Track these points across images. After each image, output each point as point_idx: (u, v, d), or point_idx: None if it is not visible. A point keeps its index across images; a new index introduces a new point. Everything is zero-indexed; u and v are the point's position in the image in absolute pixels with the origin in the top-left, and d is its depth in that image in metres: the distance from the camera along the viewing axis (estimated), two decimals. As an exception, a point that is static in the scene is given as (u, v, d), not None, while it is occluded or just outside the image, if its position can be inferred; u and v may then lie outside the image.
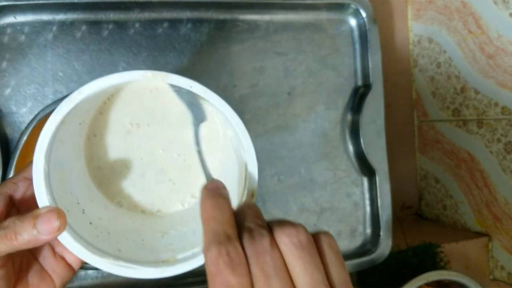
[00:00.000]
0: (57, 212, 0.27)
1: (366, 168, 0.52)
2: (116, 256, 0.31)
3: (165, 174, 0.37)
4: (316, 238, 0.25)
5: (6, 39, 0.41)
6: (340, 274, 0.24)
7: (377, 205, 0.51)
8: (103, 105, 0.36)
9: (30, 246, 0.27)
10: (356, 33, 0.52)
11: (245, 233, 0.24)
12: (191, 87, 0.30)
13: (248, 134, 0.32)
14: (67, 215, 0.29)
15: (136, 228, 0.35)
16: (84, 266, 0.42)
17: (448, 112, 0.66)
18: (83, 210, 0.33)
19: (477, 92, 0.61)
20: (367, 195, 0.52)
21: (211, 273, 0.23)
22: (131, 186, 0.37)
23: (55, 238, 0.28)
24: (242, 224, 0.25)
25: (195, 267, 0.31)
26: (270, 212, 0.49)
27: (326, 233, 0.26)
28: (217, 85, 0.47)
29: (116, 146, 0.36)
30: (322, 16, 0.51)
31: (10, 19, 0.41)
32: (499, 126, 0.58)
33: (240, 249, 0.23)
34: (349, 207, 0.52)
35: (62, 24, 0.42)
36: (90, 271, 0.43)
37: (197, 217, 0.35)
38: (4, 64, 0.41)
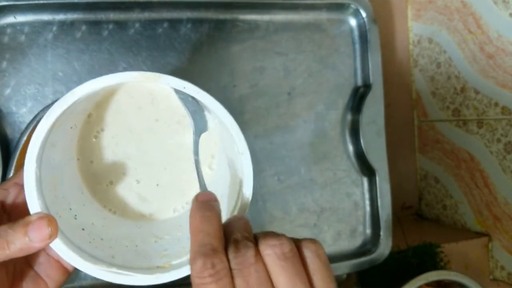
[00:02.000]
0: (48, 219, 0.27)
1: (366, 168, 0.52)
2: (109, 263, 0.30)
3: (159, 180, 0.37)
4: (301, 245, 0.26)
5: (6, 39, 0.41)
6: (324, 282, 0.25)
7: (377, 205, 0.51)
8: (96, 108, 0.35)
9: (23, 254, 0.27)
10: (356, 33, 0.52)
11: (231, 245, 0.25)
12: (184, 88, 0.30)
13: (243, 136, 0.31)
14: (59, 221, 0.28)
15: (129, 233, 0.35)
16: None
17: (448, 112, 0.66)
18: (75, 216, 0.32)
19: (477, 92, 0.61)
20: (367, 195, 0.52)
21: (195, 285, 0.24)
22: (125, 192, 0.37)
23: (48, 245, 0.28)
24: (229, 236, 0.26)
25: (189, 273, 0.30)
26: (270, 212, 0.49)
27: (312, 240, 0.26)
28: (217, 85, 0.47)
29: (109, 150, 0.36)
30: (322, 16, 0.51)
31: (10, 19, 0.41)
32: (499, 126, 0.58)
33: (225, 261, 0.24)
34: (349, 207, 0.52)
35: (62, 24, 0.42)
36: (90, 271, 0.43)
37: None
38: (4, 64, 0.41)
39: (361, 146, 0.50)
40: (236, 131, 0.31)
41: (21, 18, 0.41)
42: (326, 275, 0.25)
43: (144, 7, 0.44)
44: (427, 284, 0.52)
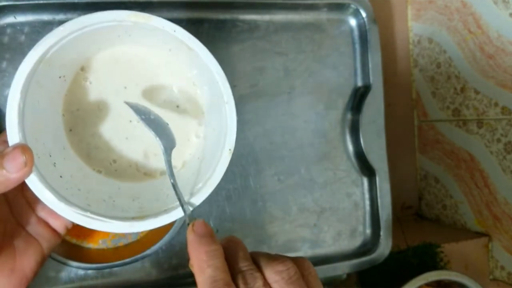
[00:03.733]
0: (22, 147, 0.27)
1: (366, 168, 0.52)
2: (85, 209, 0.30)
3: (147, 145, 0.37)
4: (297, 265, 0.28)
5: (6, 39, 0.41)
6: None
7: (377, 205, 0.51)
8: (86, 65, 0.35)
9: (2, 188, 0.27)
10: (356, 33, 0.52)
11: (238, 277, 0.26)
12: (174, 31, 0.30)
13: (229, 85, 0.32)
14: (37, 161, 0.28)
15: (108, 191, 0.35)
16: (84, 266, 0.43)
17: (448, 112, 0.66)
18: (54, 163, 0.32)
19: (477, 92, 0.61)
20: (367, 195, 0.52)
21: None
22: (111, 151, 0.36)
23: (25, 177, 0.28)
24: (233, 266, 0.27)
25: (165, 224, 0.31)
26: (270, 212, 0.49)
27: (304, 259, 0.29)
28: (217, 85, 0.47)
29: (96, 109, 0.36)
30: (322, 16, 0.51)
31: (10, 19, 0.41)
32: (499, 126, 0.58)
33: None
34: (349, 207, 0.52)
35: (62, 24, 0.42)
36: (90, 271, 0.43)
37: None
38: (4, 64, 0.41)
39: (361, 146, 0.50)
40: (223, 81, 0.32)
41: (21, 18, 0.41)
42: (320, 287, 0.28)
43: (144, 7, 0.44)
44: (427, 284, 0.52)
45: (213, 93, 0.35)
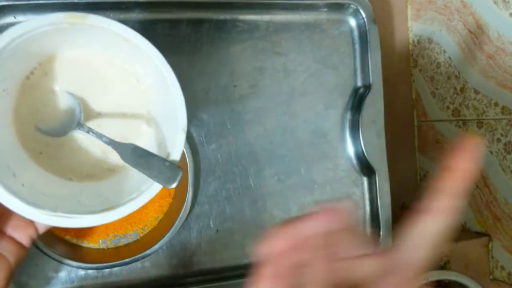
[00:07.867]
0: None
1: (366, 168, 0.52)
2: (54, 210, 0.30)
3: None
4: None
5: (6, 39, 0.41)
6: None
7: (377, 205, 0.51)
8: (31, 75, 0.35)
9: None
10: (356, 33, 0.52)
11: None
12: (109, 25, 0.31)
13: (171, 69, 0.32)
14: None
15: (72, 193, 0.35)
16: (84, 266, 0.43)
17: (448, 112, 0.66)
18: (14, 174, 0.32)
19: (477, 92, 0.61)
20: (367, 195, 0.52)
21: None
22: (67, 154, 0.36)
23: None
24: None
25: (136, 209, 0.31)
26: (270, 212, 0.49)
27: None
28: (217, 85, 0.47)
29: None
30: (322, 16, 0.51)
31: (10, 19, 0.41)
32: (499, 126, 0.58)
33: None
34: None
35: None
36: (90, 271, 0.43)
37: (134, 176, 0.34)
38: (4, 64, 0.41)
39: (361, 146, 0.50)
40: (164, 65, 0.32)
41: (21, 18, 0.41)
42: None
43: (144, 7, 0.44)
44: (427, 284, 0.52)
45: (157, 81, 0.35)
